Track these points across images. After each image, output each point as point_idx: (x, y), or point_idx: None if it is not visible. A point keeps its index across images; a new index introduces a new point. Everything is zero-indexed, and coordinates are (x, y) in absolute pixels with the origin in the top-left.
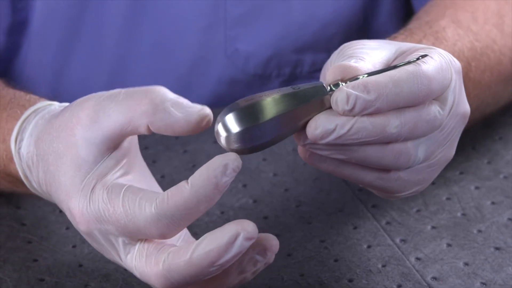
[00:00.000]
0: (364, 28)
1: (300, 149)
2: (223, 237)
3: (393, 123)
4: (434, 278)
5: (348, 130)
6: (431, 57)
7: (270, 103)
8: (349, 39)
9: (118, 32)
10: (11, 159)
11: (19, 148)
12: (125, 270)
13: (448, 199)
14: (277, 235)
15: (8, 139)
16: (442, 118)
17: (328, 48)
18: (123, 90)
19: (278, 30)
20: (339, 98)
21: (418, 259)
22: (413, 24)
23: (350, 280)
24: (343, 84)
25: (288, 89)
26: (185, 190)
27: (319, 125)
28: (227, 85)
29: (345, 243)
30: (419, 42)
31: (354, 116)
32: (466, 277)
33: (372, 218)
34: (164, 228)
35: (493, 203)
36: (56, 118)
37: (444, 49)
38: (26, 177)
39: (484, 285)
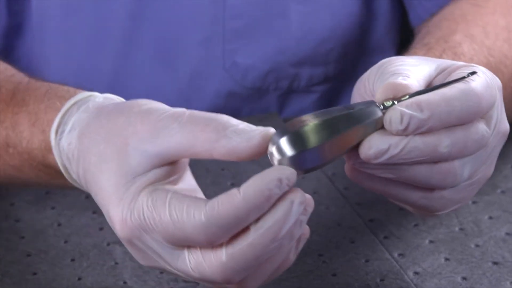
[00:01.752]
0: (361, 43)
1: (348, 168)
2: (279, 210)
3: (444, 143)
4: None
5: (401, 150)
6: (478, 75)
7: (325, 125)
8: (346, 54)
9: (118, 45)
10: (50, 150)
11: (60, 139)
12: (124, 282)
13: (446, 213)
14: None
15: (48, 130)
16: (488, 136)
17: (326, 62)
18: (187, 112)
19: (276, 44)
20: (393, 118)
21: (416, 273)
22: (428, 39)
23: None
24: (395, 102)
25: (341, 110)
26: (236, 199)
27: (373, 146)
28: (225, 98)
29: (344, 257)
30: (439, 57)
31: (407, 135)
32: None
33: (370, 233)
34: (213, 236)
35: (490, 217)
36: (108, 119)
37: None
38: (66, 168)
39: None
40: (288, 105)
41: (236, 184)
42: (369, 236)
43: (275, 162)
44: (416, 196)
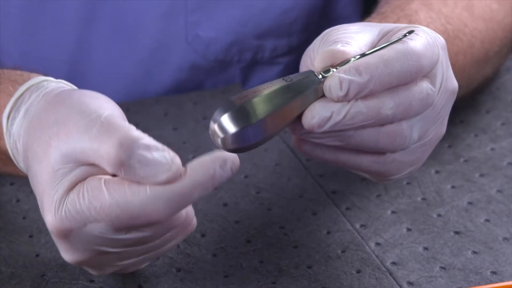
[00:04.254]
0: (325, 12)
1: (294, 139)
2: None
3: (387, 105)
4: (394, 263)
5: (344, 116)
6: (417, 34)
7: (265, 99)
8: (310, 24)
9: (78, 19)
10: (1, 135)
11: (11, 125)
12: None
13: (408, 183)
14: (236, 222)
15: None
16: (434, 95)
17: (289, 33)
18: (98, 123)
19: (239, 15)
20: (332, 84)
21: (377, 244)
22: (384, 8)
23: (309, 267)
24: (334, 70)
25: (280, 82)
26: (182, 176)
27: (315, 114)
28: (188, 71)
29: (305, 229)
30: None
31: (349, 101)
32: (425, 262)
33: (332, 204)
34: (160, 211)
35: (453, 187)
36: (45, 113)
37: None
38: (14, 156)
39: (443, 269)
40: (252, 77)
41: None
42: (331, 208)
43: (219, 141)
44: (367, 161)
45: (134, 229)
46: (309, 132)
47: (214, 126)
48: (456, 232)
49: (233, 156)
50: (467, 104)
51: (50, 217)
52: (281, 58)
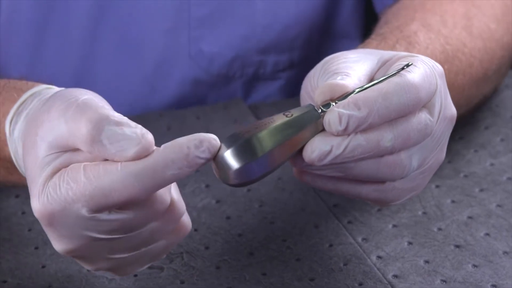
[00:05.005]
0: (326, 29)
1: (295, 171)
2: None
3: (386, 137)
4: (395, 276)
5: (344, 150)
6: (415, 66)
7: (267, 135)
8: (312, 40)
9: (83, 34)
10: (5, 142)
11: (13, 130)
12: (88, 271)
13: (409, 198)
14: (239, 235)
15: (3, 121)
16: (432, 124)
17: (291, 49)
18: (74, 105)
19: (242, 31)
20: (331, 119)
21: (379, 257)
22: (384, 29)
23: (312, 279)
24: (333, 104)
25: (281, 117)
26: (154, 151)
27: (315, 149)
28: (191, 86)
29: (307, 242)
30: (393, 47)
31: (348, 135)
32: (426, 275)
33: (334, 218)
34: (132, 189)
35: (453, 201)
36: (38, 112)
37: (417, 54)
38: (16, 161)
39: (444, 282)
40: (254, 92)
41: None
42: (333, 221)
43: (221, 177)
44: (367, 190)
45: (112, 209)
46: (309, 165)
47: (217, 163)
48: (457, 246)
49: (210, 137)
50: (467, 121)
51: (35, 203)
52: (282, 73)
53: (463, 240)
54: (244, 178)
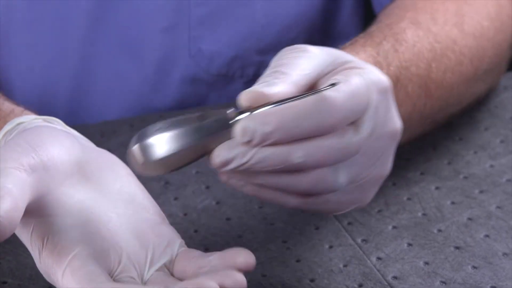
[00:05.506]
0: (326, 30)
1: (220, 173)
2: None
3: (296, 154)
4: (395, 278)
5: (249, 160)
6: (345, 83)
7: (174, 136)
8: (311, 41)
9: (82, 34)
10: None
11: None
12: None
13: (409, 199)
14: (239, 236)
15: None
16: (358, 143)
17: None
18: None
19: (241, 31)
20: (237, 130)
21: (379, 258)
22: (373, 28)
23: (312, 280)
24: (248, 113)
25: (193, 120)
26: None
27: (219, 155)
28: (191, 85)
29: (307, 243)
30: (379, 44)
31: (254, 146)
32: (426, 276)
33: (334, 219)
34: None
35: (453, 203)
36: None
37: (404, 51)
38: None
39: (444, 284)
40: None
41: None
42: (333, 223)
43: (132, 167)
44: (295, 201)
45: None
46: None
47: (128, 154)
48: (457, 247)
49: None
50: (466, 122)
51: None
52: None
53: (463, 242)
54: (150, 172)
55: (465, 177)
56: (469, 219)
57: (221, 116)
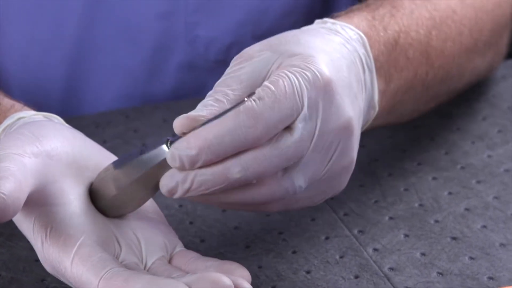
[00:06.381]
0: (325, 15)
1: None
2: None
3: (234, 169)
4: (391, 269)
5: (191, 185)
6: (265, 91)
7: (121, 173)
8: None
9: (78, 20)
10: None
11: None
12: None
13: (405, 190)
14: (235, 228)
15: None
16: (294, 146)
17: None
18: None
19: (238, 17)
20: (168, 157)
21: (375, 250)
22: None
23: (308, 272)
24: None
25: (135, 155)
26: (127, 285)
27: (164, 184)
28: (189, 71)
29: (303, 235)
30: (376, 10)
31: (191, 170)
32: (423, 267)
33: (330, 210)
34: None
35: (450, 193)
36: None
37: (402, 17)
38: None
39: (441, 275)
40: None
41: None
42: (329, 214)
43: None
44: (263, 208)
45: None
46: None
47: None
48: (453, 238)
49: None
50: (464, 112)
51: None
52: None
53: (459, 232)
54: (110, 212)
55: (462, 168)
56: (466, 209)
57: (160, 146)
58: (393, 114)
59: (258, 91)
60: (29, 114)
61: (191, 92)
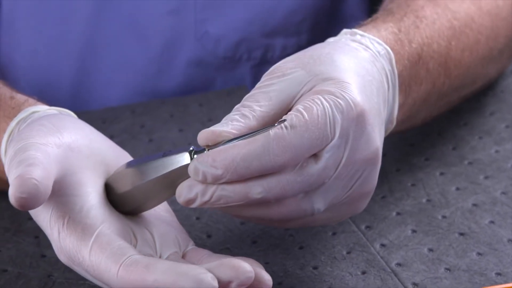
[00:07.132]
0: (333, 13)
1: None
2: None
3: (255, 190)
4: (399, 264)
5: (211, 198)
6: (298, 118)
7: (138, 171)
8: (319, 24)
9: (87, 16)
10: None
11: (6, 150)
12: None
13: (413, 185)
14: (242, 224)
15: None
16: (318, 174)
17: (298, 33)
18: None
19: (247, 14)
20: (190, 169)
21: (382, 245)
22: (391, 5)
23: (315, 267)
24: (206, 151)
25: (157, 157)
26: (150, 271)
27: (181, 194)
28: (198, 68)
29: (310, 230)
30: (400, 20)
31: (212, 184)
32: (430, 263)
33: None
34: None
35: (457, 189)
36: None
37: (425, 28)
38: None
39: (448, 271)
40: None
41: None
42: None
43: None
44: (280, 225)
45: None
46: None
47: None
48: (461, 234)
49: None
50: (471, 106)
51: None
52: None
53: (467, 228)
54: (122, 206)
55: (470, 163)
56: (474, 205)
57: (183, 154)
58: (407, 123)
59: (291, 117)
60: (43, 108)
61: (199, 89)
